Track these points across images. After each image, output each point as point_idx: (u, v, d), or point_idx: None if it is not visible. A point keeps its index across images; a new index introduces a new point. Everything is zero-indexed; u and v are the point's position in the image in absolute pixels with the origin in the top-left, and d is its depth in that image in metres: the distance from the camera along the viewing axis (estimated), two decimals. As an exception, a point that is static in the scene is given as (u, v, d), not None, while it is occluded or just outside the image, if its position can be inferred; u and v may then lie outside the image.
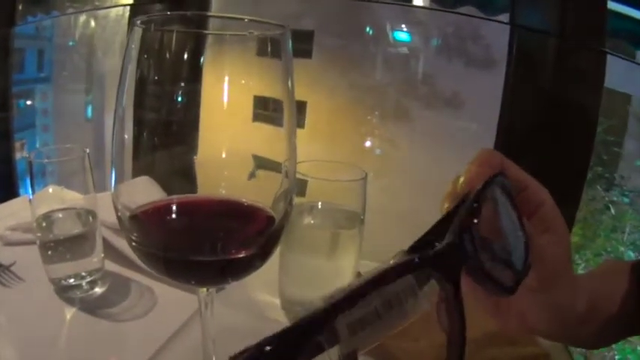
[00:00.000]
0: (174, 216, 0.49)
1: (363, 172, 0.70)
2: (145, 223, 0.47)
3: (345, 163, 0.72)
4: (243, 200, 0.49)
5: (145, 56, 0.44)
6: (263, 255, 0.47)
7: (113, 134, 0.45)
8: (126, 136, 0.45)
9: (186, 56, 0.44)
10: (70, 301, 0.75)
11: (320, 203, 0.74)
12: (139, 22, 0.42)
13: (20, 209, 0.97)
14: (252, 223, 0.50)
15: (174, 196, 0.48)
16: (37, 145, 3.26)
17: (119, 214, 0.45)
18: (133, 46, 0.43)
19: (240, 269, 0.47)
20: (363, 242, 0.74)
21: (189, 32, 0.45)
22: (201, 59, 0.44)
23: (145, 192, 0.47)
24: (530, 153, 2.19)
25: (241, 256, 0.45)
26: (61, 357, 0.65)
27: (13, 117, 2.83)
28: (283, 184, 0.48)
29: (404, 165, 3.18)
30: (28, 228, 0.86)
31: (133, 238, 0.44)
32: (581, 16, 1.91)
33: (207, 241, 0.46)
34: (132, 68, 0.44)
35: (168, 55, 0.43)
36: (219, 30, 0.49)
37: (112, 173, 0.45)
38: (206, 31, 0.45)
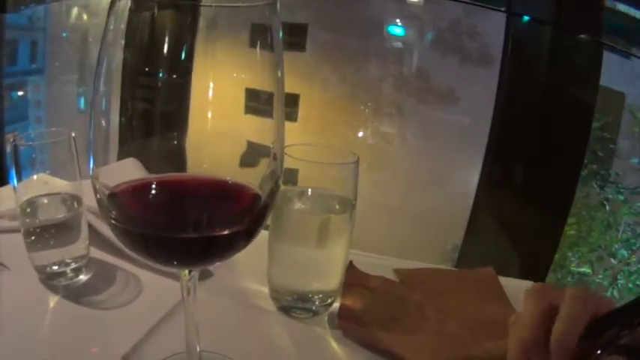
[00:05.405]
0: (154, 193, 0.47)
1: (355, 156, 0.69)
2: (124, 200, 0.45)
3: (336, 148, 0.71)
4: (228, 179, 0.48)
5: (130, 35, 0.42)
6: (247, 234, 0.45)
7: (90, 119, 0.44)
8: (103, 122, 0.44)
9: (175, 37, 0.42)
10: (54, 289, 0.73)
11: (310, 189, 0.72)
12: None
13: (6, 197, 0.95)
14: (237, 200, 0.48)
15: (156, 175, 0.47)
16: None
17: (98, 195, 0.44)
18: (112, 27, 0.42)
19: (223, 248, 0.45)
20: (354, 232, 0.73)
21: (176, 6, 0.43)
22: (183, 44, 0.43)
23: (127, 173, 0.46)
24: (524, 149, 2.18)
25: (225, 233, 0.43)
26: (44, 345, 0.63)
27: (5, 109, 2.80)
28: (270, 165, 0.46)
29: (396, 159, 3.18)
30: (14, 216, 0.85)
31: (112, 216, 0.42)
32: (578, 10, 1.90)
33: (188, 218, 0.45)
34: (109, 54, 0.43)
35: (155, 35, 0.42)
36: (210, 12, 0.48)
37: (89, 157, 0.44)
38: (190, 1, 0.44)
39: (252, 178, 0.47)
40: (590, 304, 0.47)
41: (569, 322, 0.46)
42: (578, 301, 0.47)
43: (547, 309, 0.48)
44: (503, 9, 2.15)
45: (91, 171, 0.44)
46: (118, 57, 0.43)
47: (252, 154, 0.48)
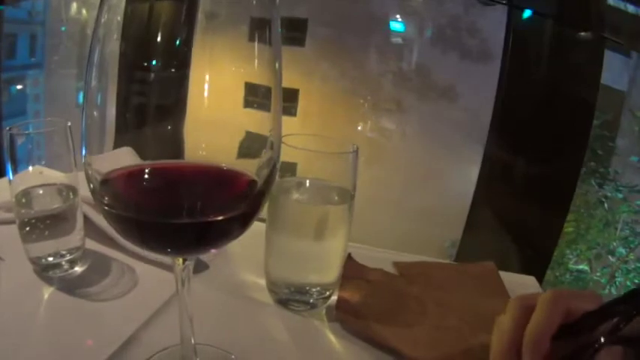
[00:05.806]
0: (147, 178, 0.46)
1: (354, 146, 0.68)
2: (117, 185, 0.44)
3: (335, 138, 0.70)
4: (224, 165, 0.47)
5: (128, 28, 0.42)
6: (243, 221, 0.44)
7: (83, 110, 0.44)
8: (95, 112, 0.44)
9: (173, 30, 0.42)
10: (49, 281, 0.72)
11: (308, 180, 0.71)
12: None
13: (2, 189, 0.94)
14: (233, 186, 0.47)
15: (150, 161, 0.46)
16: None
17: (90, 182, 0.43)
18: (104, 20, 0.41)
19: (218, 235, 0.44)
20: (352, 227, 0.72)
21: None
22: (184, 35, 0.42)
23: (121, 161, 0.45)
24: (524, 145, 2.18)
25: (219, 219, 0.42)
26: (39, 337, 0.62)
27: (4, 103, 2.79)
28: (268, 153, 0.46)
29: (395, 155, 3.18)
30: (9, 207, 0.84)
31: (105, 202, 0.42)
32: (581, 3, 1.89)
33: (183, 203, 0.44)
34: (101, 46, 0.42)
35: (153, 27, 0.42)
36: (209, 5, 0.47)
37: (82, 147, 0.44)
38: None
39: (249, 166, 0.47)
40: (562, 305, 0.47)
41: (539, 324, 0.47)
42: (549, 302, 0.48)
43: (525, 313, 0.48)
44: (504, 1, 2.14)
45: (83, 158, 0.44)
46: (109, 49, 0.43)
47: (250, 144, 0.47)
